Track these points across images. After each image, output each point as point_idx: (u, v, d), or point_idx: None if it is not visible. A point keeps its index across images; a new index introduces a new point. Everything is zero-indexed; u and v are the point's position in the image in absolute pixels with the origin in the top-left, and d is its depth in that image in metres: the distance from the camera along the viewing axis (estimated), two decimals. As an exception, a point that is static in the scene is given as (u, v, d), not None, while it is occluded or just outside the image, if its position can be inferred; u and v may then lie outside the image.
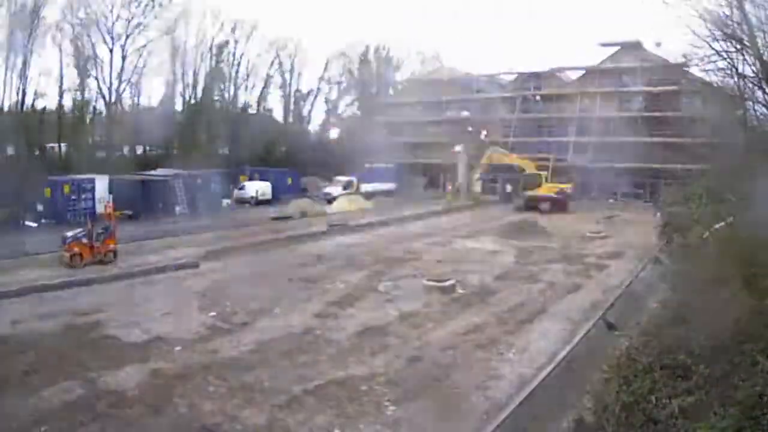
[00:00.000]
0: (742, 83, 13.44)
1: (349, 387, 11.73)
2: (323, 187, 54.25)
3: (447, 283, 20.02)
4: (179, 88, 59.92)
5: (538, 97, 59.27)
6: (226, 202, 45.96)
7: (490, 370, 12.70)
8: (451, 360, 13.31)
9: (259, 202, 47.32)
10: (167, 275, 22.31)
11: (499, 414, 10.50)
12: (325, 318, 16.64)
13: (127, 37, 52.47)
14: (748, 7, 12.23)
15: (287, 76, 68.64)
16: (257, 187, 48.90)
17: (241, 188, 48.72)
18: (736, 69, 13.02)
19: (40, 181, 37.19)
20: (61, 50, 50.10)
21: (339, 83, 74.49)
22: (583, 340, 14.50)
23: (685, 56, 15.74)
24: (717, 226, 14.41)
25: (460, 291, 19.66)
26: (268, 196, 48.43)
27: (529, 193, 46.24)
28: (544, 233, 32.15)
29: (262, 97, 67.21)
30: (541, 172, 48.04)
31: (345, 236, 31.99)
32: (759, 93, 13.19)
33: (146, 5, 52.88)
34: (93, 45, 51.54)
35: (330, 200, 48.50)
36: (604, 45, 55.27)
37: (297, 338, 14.78)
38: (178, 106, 61.02)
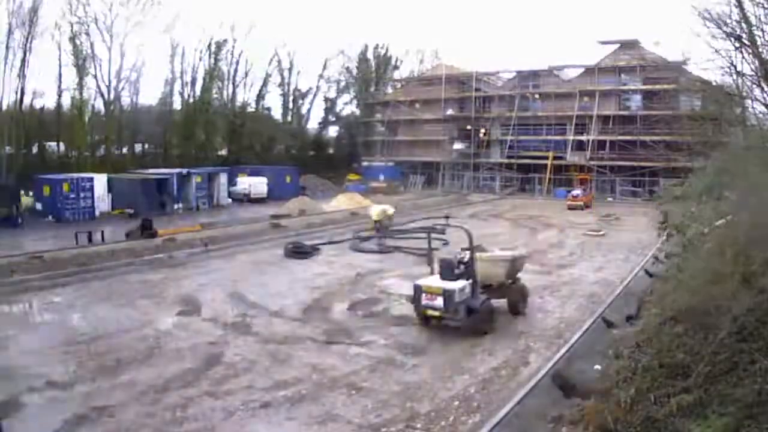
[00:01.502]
0: (740, 81, 13.45)
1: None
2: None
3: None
4: (178, 86, 60.04)
5: (536, 95, 59.32)
6: (225, 200, 45.98)
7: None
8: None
9: (251, 200, 47.12)
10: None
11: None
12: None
13: (126, 35, 52.55)
14: (746, 5, 12.24)
15: (286, 74, 68.76)
16: (250, 183, 48.53)
17: (234, 185, 48.55)
18: (735, 67, 13.03)
19: (39, 180, 37.35)
20: (60, 48, 50.17)
21: (338, 81, 74.63)
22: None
23: (684, 54, 15.78)
24: (717, 223, 14.42)
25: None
26: (263, 193, 48.11)
27: None
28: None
29: (260, 96, 67.32)
30: None
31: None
32: (757, 91, 13.19)
33: (145, 3, 52.95)
34: (92, 43, 51.58)
35: None
36: (603, 43, 55.38)
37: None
38: (177, 105, 61.12)
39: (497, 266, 16.53)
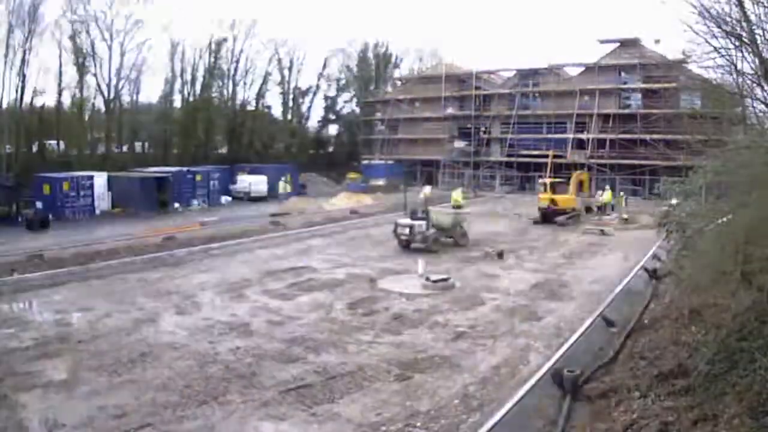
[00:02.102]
0: (741, 80, 13.39)
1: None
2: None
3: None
4: (178, 85, 60.07)
5: (536, 94, 59.28)
6: (225, 198, 46.05)
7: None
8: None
9: (252, 198, 47.08)
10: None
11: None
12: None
13: (126, 33, 52.59)
14: (747, 3, 12.18)
15: (286, 72, 68.76)
16: (250, 182, 48.52)
17: (234, 183, 48.59)
18: (735, 66, 12.96)
19: (39, 178, 37.35)
20: (60, 47, 50.20)
21: (338, 80, 74.66)
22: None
23: (683, 53, 15.73)
24: (718, 221, 14.42)
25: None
26: (263, 192, 48.15)
27: None
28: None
29: (260, 94, 67.31)
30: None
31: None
32: (758, 90, 13.14)
33: (145, 1, 53.05)
34: (92, 42, 51.63)
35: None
36: (603, 42, 55.28)
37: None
38: (177, 103, 61.17)
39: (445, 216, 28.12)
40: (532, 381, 11.83)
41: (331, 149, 76.64)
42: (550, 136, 56.39)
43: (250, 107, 66.99)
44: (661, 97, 47.69)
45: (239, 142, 64.18)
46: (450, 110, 63.41)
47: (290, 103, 70.86)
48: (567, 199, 37.39)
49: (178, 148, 58.69)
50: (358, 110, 74.52)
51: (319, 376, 12.24)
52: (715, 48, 12.66)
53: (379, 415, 10.52)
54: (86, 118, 53.98)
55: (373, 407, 10.82)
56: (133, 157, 54.04)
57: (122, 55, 53.15)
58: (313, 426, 10.18)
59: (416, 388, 11.67)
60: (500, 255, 25.01)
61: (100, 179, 39.19)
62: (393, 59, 77.78)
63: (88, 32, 51.12)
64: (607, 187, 44.25)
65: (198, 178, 43.64)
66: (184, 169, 44.44)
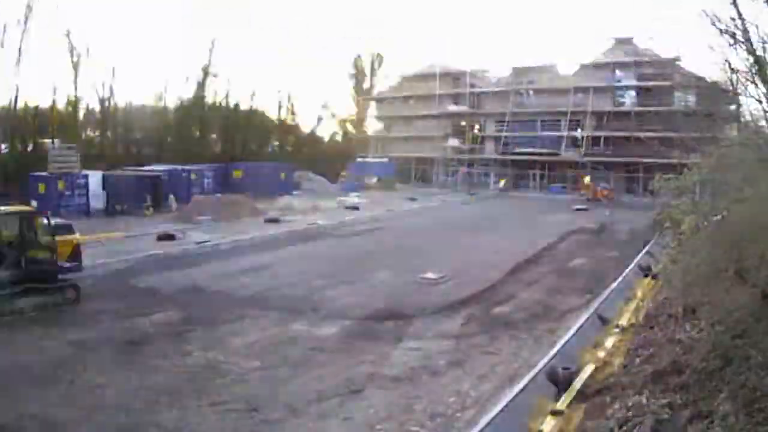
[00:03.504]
0: (735, 78, 13.42)
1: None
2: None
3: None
4: (172, 83, 59.98)
5: (531, 91, 59.40)
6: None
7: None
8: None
9: None
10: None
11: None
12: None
13: (122, 32, 52.57)
14: (740, 1, 12.21)
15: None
16: None
17: None
18: (729, 63, 12.99)
19: (34, 177, 37.18)
20: (55, 46, 50.16)
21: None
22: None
23: (677, 51, 15.81)
24: (713, 218, 14.47)
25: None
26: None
27: None
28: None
29: (254, 93, 67.17)
30: None
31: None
32: (752, 87, 13.18)
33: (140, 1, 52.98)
34: (87, 40, 51.57)
35: None
36: (598, 40, 55.54)
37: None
38: (171, 102, 61.04)
39: None
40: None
41: (325, 147, 76.53)
42: (544, 133, 56.58)
43: (244, 106, 66.91)
44: (655, 94, 47.89)
45: (233, 141, 64.07)
46: (452, 107, 62.97)
47: (284, 101, 70.81)
48: None
49: (173, 146, 58.48)
50: (352, 108, 74.55)
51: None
52: (709, 46, 12.68)
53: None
54: (80, 116, 53.80)
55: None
56: (128, 156, 53.86)
57: (117, 53, 53.15)
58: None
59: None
60: None
61: (94, 178, 38.99)
62: (387, 56, 77.88)
63: (83, 31, 51.15)
64: None
65: (193, 176, 43.52)
66: (179, 167, 44.31)
